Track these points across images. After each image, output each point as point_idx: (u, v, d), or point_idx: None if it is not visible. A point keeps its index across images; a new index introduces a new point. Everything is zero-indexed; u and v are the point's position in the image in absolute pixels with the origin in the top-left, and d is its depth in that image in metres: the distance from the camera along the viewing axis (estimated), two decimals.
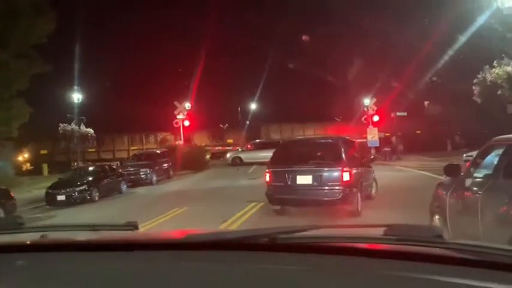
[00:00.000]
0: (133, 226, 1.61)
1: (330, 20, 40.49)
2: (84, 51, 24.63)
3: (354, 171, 8.93)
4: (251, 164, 26.85)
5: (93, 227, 1.71)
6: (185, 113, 28.88)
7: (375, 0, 33.26)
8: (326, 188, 8.73)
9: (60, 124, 20.13)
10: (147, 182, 19.82)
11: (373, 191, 11.21)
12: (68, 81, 21.35)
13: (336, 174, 8.68)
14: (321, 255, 1.31)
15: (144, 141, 34.69)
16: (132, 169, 20.10)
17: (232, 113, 43.91)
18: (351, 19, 37.53)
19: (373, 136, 29.95)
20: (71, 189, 14.77)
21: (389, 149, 28.29)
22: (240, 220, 9.55)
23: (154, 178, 20.27)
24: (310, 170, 8.80)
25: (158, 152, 23.47)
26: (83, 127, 20.60)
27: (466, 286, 1.08)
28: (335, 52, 41.45)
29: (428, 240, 1.22)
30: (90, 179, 15.67)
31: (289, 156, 9.49)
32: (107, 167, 17.62)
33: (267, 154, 27.65)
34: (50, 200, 14.72)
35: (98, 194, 15.25)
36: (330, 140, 10.03)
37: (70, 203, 14.48)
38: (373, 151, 30.22)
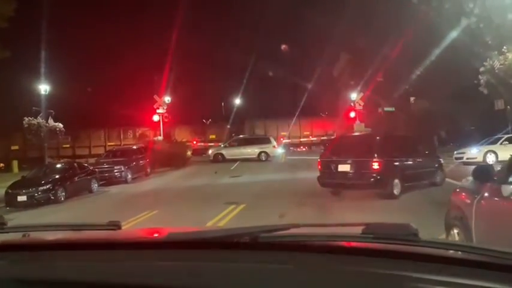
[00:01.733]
0: (116, 226, 1.60)
1: (315, 14, 39.55)
2: (55, 41, 23.18)
3: (389, 161, 10.57)
4: (234, 160, 25.74)
5: (75, 227, 1.78)
6: (165, 107, 27.53)
7: None
8: (360, 174, 10.59)
9: (25, 118, 18.61)
10: (122, 180, 18.54)
11: (438, 178, 12.42)
12: (37, 72, 19.84)
13: (367, 163, 10.48)
14: (301, 253, 1.33)
15: (121, 136, 33.17)
16: (105, 166, 18.78)
17: (215, 108, 42.76)
18: (337, 12, 36.93)
19: (360, 132, 29.09)
20: (34, 188, 13.43)
21: None
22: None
23: (130, 176, 18.97)
24: (348, 160, 10.91)
25: (134, 148, 22.10)
26: (51, 121, 19.09)
27: (439, 282, 1.11)
28: (320, 47, 40.79)
29: (404, 239, 1.27)
30: (56, 177, 14.33)
31: (335, 149, 12.09)
32: (75, 164, 16.26)
33: (251, 150, 27.33)
34: (9, 200, 13.36)
35: (64, 193, 13.93)
36: (367, 135, 12.52)
37: (32, 204, 13.16)
38: None
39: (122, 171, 18.56)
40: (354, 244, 1.36)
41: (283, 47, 33.30)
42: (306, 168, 20.95)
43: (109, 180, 18.27)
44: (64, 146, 31.67)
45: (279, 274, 1.23)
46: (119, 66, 32.37)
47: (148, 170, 21.44)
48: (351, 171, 10.79)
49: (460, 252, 1.26)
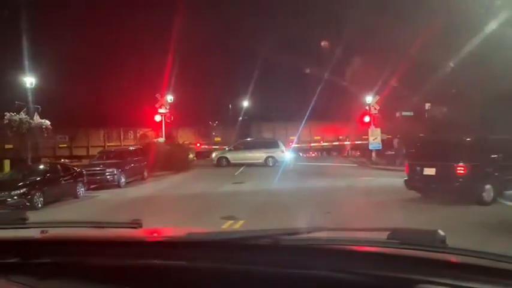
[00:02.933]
0: (137, 224, 1.61)
1: (329, 17, 37.87)
2: (54, 35, 21.73)
3: (478, 165, 10.07)
4: (239, 165, 24.00)
5: (97, 224, 1.78)
6: (167, 107, 25.84)
7: None
8: (445, 178, 10.29)
9: (6, 113, 17.02)
10: (114, 184, 16.86)
11: None
12: (31, 64, 18.27)
13: (452, 167, 10.17)
14: (322, 257, 1.32)
15: (122, 137, 31.53)
16: (97, 169, 17.13)
17: (223, 110, 41.02)
18: (352, 16, 35.14)
19: (375, 138, 27.19)
20: (6, 193, 11.74)
21: (392, 153, 25.43)
22: None
23: (123, 180, 17.27)
24: (433, 164, 10.64)
25: (131, 149, 20.43)
26: (37, 117, 17.48)
27: None
28: (334, 49, 38.97)
29: (431, 245, 1.24)
30: (34, 180, 12.63)
31: (422, 152, 11.89)
32: (59, 165, 14.58)
33: (258, 154, 25.22)
34: None
35: (42, 199, 12.21)
36: (455, 137, 11.95)
37: (4, 210, 11.45)
38: (373, 154, 27.53)
39: (115, 174, 16.87)
40: (378, 249, 1.29)
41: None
42: (317, 176, 19.15)
43: (101, 184, 16.69)
44: (61, 145, 30.11)
45: (299, 277, 1.25)
46: (121, 63, 30.87)
47: (146, 173, 19.75)
48: (436, 175, 10.57)
49: (489, 261, 1.20)
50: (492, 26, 18.94)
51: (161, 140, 24.88)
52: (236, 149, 26.09)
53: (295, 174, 20.09)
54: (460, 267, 1.17)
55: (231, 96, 41.62)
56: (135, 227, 1.64)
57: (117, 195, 14.62)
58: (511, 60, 21.24)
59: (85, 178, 15.11)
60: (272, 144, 26.13)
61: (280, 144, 26.30)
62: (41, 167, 14.13)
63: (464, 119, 33.61)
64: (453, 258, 1.21)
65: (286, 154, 26.44)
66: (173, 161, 22.58)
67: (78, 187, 14.34)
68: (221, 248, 1.42)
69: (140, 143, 24.02)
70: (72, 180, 14.13)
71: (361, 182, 16.60)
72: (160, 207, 11.66)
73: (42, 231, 1.69)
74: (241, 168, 23.26)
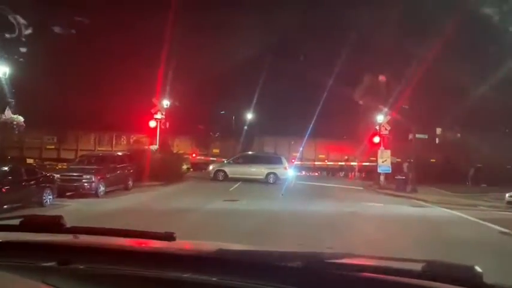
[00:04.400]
0: (171, 237, 1.56)
1: (338, 30, 36.50)
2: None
3: None
4: (238, 180, 22.20)
5: (130, 234, 1.72)
6: (163, 113, 24.08)
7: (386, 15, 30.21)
8: None
9: None
10: (92, 193, 15.01)
11: None
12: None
13: None
14: (352, 285, 1.30)
15: (114, 142, 29.74)
16: (74, 174, 15.31)
17: (224, 121, 39.29)
18: (361, 32, 33.78)
19: (384, 160, 25.20)
20: None
21: (403, 178, 23.43)
22: None
23: (102, 188, 15.41)
24: None
25: (116, 155, 18.60)
26: (8, 112, 15.74)
27: None
28: (343, 66, 37.47)
29: (467, 281, 1.19)
30: None
31: None
32: (23, 169, 12.70)
33: (258, 170, 22.84)
34: None
35: None
36: None
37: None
38: (382, 178, 25.55)
39: (92, 182, 15.01)
40: (412, 281, 1.23)
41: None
42: (319, 198, 17.21)
43: (77, 192, 14.88)
44: (48, 147, 28.48)
45: None
46: (117, 65, 29.15)
47: (130, 183, 17.86)
48: None
49: None
50: None
51: (154, 147, 23.06)
52: (236, 162, 24.21)
53: (295, 194, 18.15)
54: None
55: (235, 108, 40.06)
56: (168, 239, 1.56)
57: (89, 206, 12.72)
58: None
59: (55, 184, 13.28)
60: (274, 160, 24.27)
61: (284, 160, 24.44)
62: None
63: (478, 145, 32.02)
64: None
65: (289, 171, 24.58)
66: (164, 171, 20.71)
67: (45, 194, 12.49)
68: (252, 267, 1.42)
69: (129, 149, 22.15)
70: (37, 186, 12.26)
71: (368, 209, 14.65)
72: (130, 225, 9.74)
73: (77, 237, 1.72)
74: (237, 184, 21.37)
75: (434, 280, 1.20)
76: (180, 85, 26.68)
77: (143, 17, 28.06)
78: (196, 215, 11.31)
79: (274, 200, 15.84)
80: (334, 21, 36.91)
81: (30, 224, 1.67)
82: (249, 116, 38.07)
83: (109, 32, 29.62)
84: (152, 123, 24.11)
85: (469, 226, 11.47)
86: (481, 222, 11.91)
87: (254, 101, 35.05)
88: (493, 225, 11.16)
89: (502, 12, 20.96)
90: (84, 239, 1.73)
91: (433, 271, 1.21)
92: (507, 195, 16.22)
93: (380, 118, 26.31)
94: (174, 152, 24.96)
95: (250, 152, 27.64)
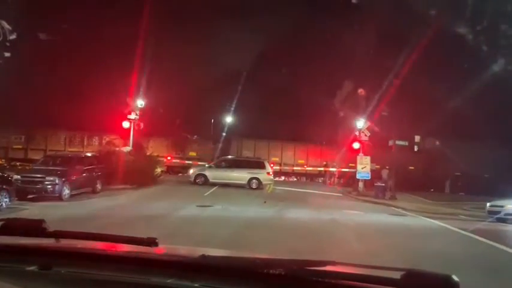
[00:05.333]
0: (153, 242, 1.60)
1: (320, 37, 36.33)
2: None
3: None
4: (219, 184, 21.52)
5: (112, 239, 1.72)
6: (137, 113, 23.12)
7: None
8: None
9: None
10: (55, 196, 14.04)
11: None
12: None
13: None
14: None
15: (85, 142, 28.45)
16: (37, 176, 14.30)
17: (203, 123, 38.45)
18: (342, 37, 33.72)
19: (363, 166, 24.79)
20: None
21: (382, 185, 23.05)
22: None
23: (67, 191, 14.45)
24: None
25: (83, 156, 17.60)
26: None
27: None
28: (325, 71, 37.26)
29: None
30: None
31: None
32: None
33: (240, 175, 21.50)
34: None
35: None
36: None
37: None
38: (361, 185, 25.16)
39: (56, 184, 14.04)
40: None
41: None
42: (297, 204, 16.57)
43: (39, 195, 13.89)
44: (15, 146, 27.09)
45: None
46: (90, 63, 28.00)
47: (99, 186, 16.90)
48: None
49: None
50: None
51: (126, 149, 22.05)
52: (217, 166, 23.37)
53: (273, 200, 17.48)
54: None
55: (213, 111, 39.29)
56: (150, 245, 1.59)
57: (48, 211, 11.73)
58: None
59: (13, 186, 12.28)
60: (257, 164, 23.54)
61: (267, 164, 23.75)
62: None
63: (456, 154, 32.12)
64: None
65: (271, 177, 23.95)
66: (136, 174, 19.75)
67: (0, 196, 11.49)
68: (235, 273, 1.42)
69: (99, 150, 21.11)
70: None
71: (348, 217, 14.08)
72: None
73: (59, 241, 1.69)
74: (213, 189, 20.60)
75: None
76: (156, 86, 25.83)
77: (119, 18, 27.11)
78: (165, 222, 10.49)
79: (250, 205, 15.12)
80: (314, 33, 36.82)
81: (11, 228, 1.64)
82: (228, 119, 37.40)
83: (83, 32, 28.61)
84: (126, 124, 23.12)
85: (451, 237, 10.99)
86: (463, 232, 11.46)
87: (233, 104, 34.47)
88: (476, 236, 10.71)
89: (475, 31, 21.56)
90: (66, 243, 1.73)
91: (411, 280, 1.22)
92: (488, 204, 15.89)
93: (360, 124, 25.93)
94: (148, 154, 23.93)
95: (229, 156, 26.90)
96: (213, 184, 21.73)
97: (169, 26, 29.98)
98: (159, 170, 22.56)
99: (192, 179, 22.62)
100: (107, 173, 18.09)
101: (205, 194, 18.36)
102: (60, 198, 14.09)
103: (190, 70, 34.27)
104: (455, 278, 1.20)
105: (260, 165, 23.36)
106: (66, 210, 12.06)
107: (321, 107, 37.46)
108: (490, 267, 7.34)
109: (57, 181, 14.04)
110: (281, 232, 9.90)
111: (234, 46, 34.10)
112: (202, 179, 22.43)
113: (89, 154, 18.42)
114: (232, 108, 35.36)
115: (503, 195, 17.08)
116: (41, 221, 1.65)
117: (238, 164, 23.69)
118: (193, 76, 35.61)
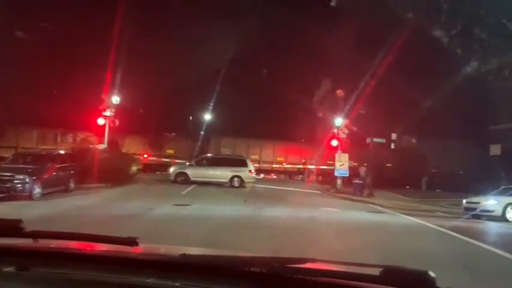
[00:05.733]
0: (133, 242, 1.57)
1: (299, 36, 36.43)
2: None
3: None
4: (201, 183, 21.30)
5: (93, 238, 1.69)
6: (113, 110, 22.54)
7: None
8: None
9: None
10: (26, 195, 13.49)
11: None
12: None
13: None
14: None
15: (59, 140, 27.60)
16: (6, 174, 13.71)
17: (181, 121, 38.01)
18: (321, 38, 33.90)
19: (342, 164, 24.86)
20: None
21: (360, 182, 23.13)
22: None
23: (38, 190, 13.91)
24: None
25: (55, 154, 17.03)
26: None
27: None
28: (304, 69, 37.35)
29: (421, 286, 1.23)
30: None
31: None
32: None
33: (222, 173, 20.74)
34: None
35: None
36: None
37: None
38: (339, 182, 25.21)
39: (26, 183, 13.50)
40: (370, 286, 1.30)
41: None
42: (276, 202, 16.42)
43: (9, 194, 13.31)
44: None
45: None
46: (64, 57, 27.19)
47: (72, 184, 16.37)
48: None
49: None
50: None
51: (101, 146, 21.49)
52: (198, 164, 23.02)
53: (251, 198, 17.28)
54: None
55: (192, 108, 38.87)
56: (131, 245, 1.56)
57: (16, 211, 11.25)
58: None
59: None
60: (239, 162, 23.29)
61: (249, 162, 23.50)
62: None
63: (431, 152, 32.63)
64: None
65: (254, 175, 23.73)
66: (111, 172, 19.24)
67: None
68: (216, 272, 1.42)
69: (73, 148, 20.48)
70: None
71: (326, 215, 14.00)
72: None
73: (37, 241, 1.67)
74: (191, 187, 20.28)
75: (391, 285, 1.23)
76: (133, 83, 25.27)
77: (94, 13, 26.44)
78: (139, 222, 10.16)
79: (228, 204, 14.88)
80: (293, 33, 36.88)
81: None
82: (207, 117, 37.06)
83: (57, 28, 27.82)
84: (100, 121, 22.49)
85: (429, 234, 11.00)
86: (440, 229, 11.50)
87: (212, 102, 34.15)
88: (453, 233, 10.75)
89: (450, 34, 22.16)
90: (44, 243, 1.70)
91: (390, 276, 1.24)
92: (464, 201, 16.09)
93: (338, 122, 25.96)
94: (124, 152, 23.39)
95: (209, 154, 26.60)
96: (194, 182, 21.42)
97: (147, 23, 29.50)
98: (135, 168, 22.04)
99: (173, 178, 22.23)
100: (81, 171, 17.59)
101: (183, 193, 18.03)
102: (30, 197, 13.55)
103: (168, 68, 33.80)
104: (431, 273, 1.23)
105: (242, 163, 23.13)
106: (36, 210, 11.55)
107: (300, 105, 37.58)
108: (467, 264, 7.31)
109: (27, 180, 13.50)
110: (260, 231, 9.70)
111: (213, 44, 33.84)
112: (183, 177, 22.06)
113: (61, 152, 17.82)
114: (211, 106, 35.11)
115: (477, 191, 17.38)
116: (18, 221, 1.60)
117: (219, 162, 23.41)
118: (171, 74, 35.12)
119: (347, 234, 10.48)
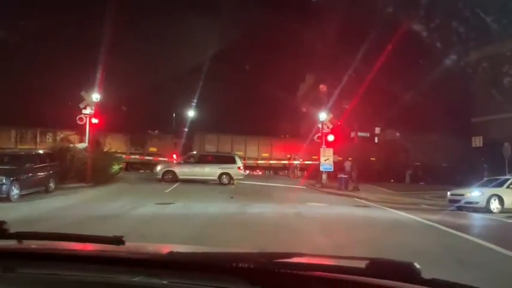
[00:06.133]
0: (119, 240, 1.55)
1: (281, 34, 36.26)
2: None
3: None
4: (188, 181, 20.97)
5: (79, 238, 1.69)
6: (93, 108, 22.03)
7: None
8: None
9: None
10: (3, 197, 13.05)
11: None
12: None
13: None
14: (302, 284, 1.34)
15: (38, 139, 26.91)
16: None
17: (163, 118, 37.57)
18: (304, 34, 33.83)
19: (326, 158, 24.77)
20: None
21: (345, 176, 23.12)
22: None
23: (16, 191, 13.47)
24: None
25: (34, 153, 16.55)
26: None
27: None
28: (287, 64, 37.19)
29: (407, 277, 1.25)
30: None
31: None
32: None
33: (211, 170, 20.42)
34: None
35: None
36: None
37: None
38: (324, 177, 25.16)
39: (3, 184, 13.05)
40: (358, 279, 1.30)
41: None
42: (261, 198, 16.30)
43: None
44: None
45: None
46: (43, 55, 26.59)
47: (52, 185, 15.92)
48: None
49: None
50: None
51: (82, 145, 21.00)
52: (186, 162, 22.68)
53: (237, 195, 17.10)
54: None
55: (175, 105, 38.42)
56: (116, 244, 1.54)
57: None
58: None
59: None
60: (228, 159, 23.02)
61: (237, 159, 23.23)
62: None
63: (414, 145, 32.90)
64: None
65: (243, 171, 23.51)
66: (93, 172, 18.83)
67: None
68: (204, 269, 1.42)
69: (53, 147, 19.96)
70: None
71: (312, 210, 13.92)
72: None
73: (23, 243, 1.65)
74: (175, 185, 19.99)
75: (378, 277, 1.26)
76: (114, 80, 24.78)
77: (76, 12, 25.93)
78: (119, 222, 9.88)
79: (213, 202, 14.66)
80: (275, 29, 36.68)
81: None
82: (190, 113, 36.68)
83: (36, 25, 27.18)
84: (81, 119, 21.96)
85: (416, 228, 10.97)
86: (426, 222, 11.49)
87: (196, 99, 33.79)
88: (439, 226, 10.75)
89: (430, 28, 22.55)
90: (29, 244, 1.69)
91: (376, 268, 1.26)
92: (448, 193, 16.18)
93: (322, 117, 25.89)
94: (106, 150, 22.93)
95: (199, 152, 26.33)
96: (183, 181, 21.10)
97: (129, 20, 28.97)
98: (117, 167, 21.61)
99: (160, 176, 21.83)
100: (61, 171, 17.19)
101: (166, 191, 17.73)
102: (8, 199, 13.10)
103: (150, 65, 33.35)
104: (417, 265, 1.25)
105: (231, 160, 22.88)
106: (14, 212, 11.15)
107: (284, 100, 37.41)
108: (454, 256, 7.27)
109: (4, 180, 13.04)
110: (245, 229, 9.51)
111: (195, 42, 33.45)
112: (171, 175, 21.71)
113: (40, 151, 17.33)
114: (195, 103, 34.74)
115: (460, 184, 17.54)
116: (2, 222, 1.58)
117: (207, 159, 23.15)
118: (154, 71, 34.69)
119: (334, 229, 10.39)
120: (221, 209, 12.98)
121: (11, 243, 1.61)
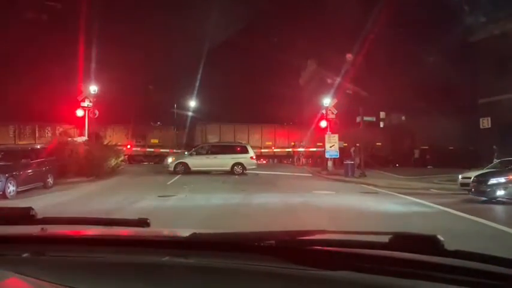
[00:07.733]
0: (145, 223, 1.58)
1: (283, 20, 35.59)
2: None
3: None
4: (201, 172, 20.65)
5: (105, 222, 1.74)
6: (91, 100, 21.55)
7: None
8: None
9: None
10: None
11: None
12: None
13: None
14: (326, 261, 1.34)
15: (37, 134, 26.44)
16: None
17: (165, 109, 37.10)
18: (306, 18, 33.21)
19: (332, 145, 24.25)
20: None
21: (351, 162, 22.58)
22: None
23: (12, 188, 13.06)
24: None
25: (31, 149, 16.14)
26: None
27: None
28: (287, 53, 36.53)
29: (431, 250, 1.24)
30: None
31: None
32: None
33: (223, 161, 19.81)
34: None
35: None
36: None
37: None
38: (330, 163, 24.65)
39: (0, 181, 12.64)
40: (380, 253, 1.30)
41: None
42: (266, 187, 15.83)
43: None
44: None
45: (303, 280, 1.27)
46: (40, 48, 26.05)
47: (51, 180, 15.50)
48: None
49: (487, 265, 1.21)
50: None
51: (82, 139, 20.55)
52: (197, 153, 22.20)
53: (240, 185, 16.64)
54: (459, 271, 1.19)
55: (176, 96, 37.97)
56: (142, 226, 1.58)
57: None
58: None
59: None
60: (240, 149, 22.62)
61: (250, 148, 22.79)
62: None
63: (420, 128, 32.30)
64: (452, 263, 1.21)
65: (255, 161, 23.06)
66: (93, 166, 18.40)
67: None
68: (227, 248, 1.44)
69: (52, 141, 19.51)
70: None
71: (319, 199, 13.39)
72: None
73: (50, 228, 1.68)
74: (177, 177, 19.54)
75: (402, 250, 1.26)
76: (113, 71, 24.31)
77: (71, 2, 25.25)
78: (121, 216, 9.41)
79: (216, 192, 14.18)
80: (278, 14, 35.98)
81: None
82: (192, 104, 36.20)
83: (32, 17, 26.61)
84: (80, 112, 21.51)
85: (430, 213, 10.45)
86: (440, 207, 10.98)
87: (197, 89, 33.30)
88: (455, 211, 10.23)
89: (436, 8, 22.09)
90: (56, 228, 1.72)
91: (399, 241, 1.24)
92: (460, 176, 15.56)
93: (326, 102, 25.29)
94: (105, 143, 22.48)
95: (211, 142, 26.05)
96: (196, 172, 20.65)
97: (127, 10, 28.40)
98: (117, 159, 21.16)
99: (172, 168, 21.28)
100: (61, 166, 16.76)
101: (168, 183, 17.30)
102: (4, 196, 12.71)
103: (151, 55, 32.78)
104: (440, 237, 1.22)
105: (243, 150, 22.50)
106: None
107: (287, 87, 36.85)
108: (476, 244, 6.76)
109: (1, 178, 12.64)
110: (250, 220, 9.05)
111: (195, 30, 32.83)
112: (183, 167, 21.24)
113: (38, 146, 16.94)
114: (196, 93, 34.24)
115: (469, 166, 16.93)
116: (29, 209, 1.60)
117: (219, 149, 22.70)
118: (154, 61, 34.11)
119: (343, 218, 9.87)
120: (225, 199, 12.50)
121: (39, 228, 1.63)
